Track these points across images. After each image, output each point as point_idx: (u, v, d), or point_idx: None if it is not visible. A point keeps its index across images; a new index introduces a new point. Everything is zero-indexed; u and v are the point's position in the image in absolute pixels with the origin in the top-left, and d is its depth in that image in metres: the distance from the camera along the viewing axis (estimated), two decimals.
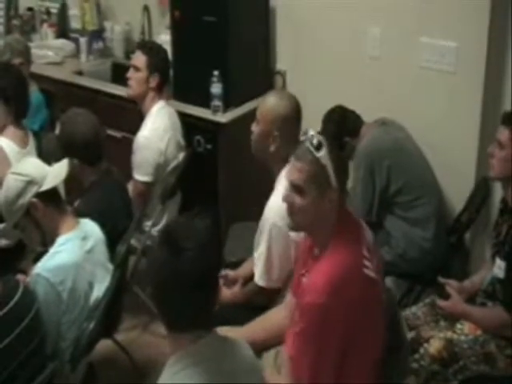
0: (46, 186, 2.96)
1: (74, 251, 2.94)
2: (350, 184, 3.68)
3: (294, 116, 3.19)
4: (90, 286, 2.99)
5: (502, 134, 3.00)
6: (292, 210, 2.52)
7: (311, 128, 2.54)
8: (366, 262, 2.47)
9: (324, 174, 2.43)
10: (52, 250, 2.94)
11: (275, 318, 2.90)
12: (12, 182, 2.98)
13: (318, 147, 2.43)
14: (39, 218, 2.99)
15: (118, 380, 3.69)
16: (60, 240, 2.96)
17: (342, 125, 3.84)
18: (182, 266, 2.01)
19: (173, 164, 4.10)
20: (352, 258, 2.46)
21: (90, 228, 3.10)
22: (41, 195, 2.95)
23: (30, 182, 2.95)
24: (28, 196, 2.95)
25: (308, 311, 2.42)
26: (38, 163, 3.13)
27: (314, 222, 2.53)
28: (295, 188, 2.48)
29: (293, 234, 2.90)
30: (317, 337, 2.40)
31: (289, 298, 2.83)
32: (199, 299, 2.07)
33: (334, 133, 3.82)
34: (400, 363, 2.74)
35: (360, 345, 2.46)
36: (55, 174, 3.04)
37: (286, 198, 2.53)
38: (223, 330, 2.30)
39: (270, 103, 3.19)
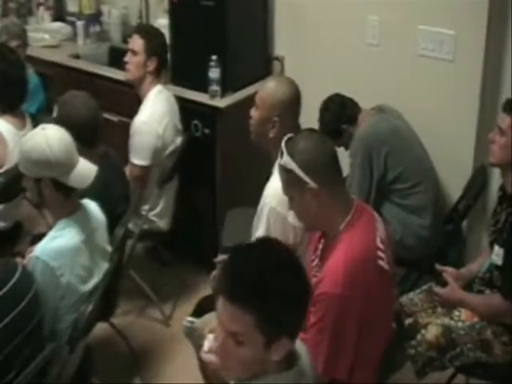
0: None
1: (74, 236, 2.90)
2: (347, 170, 3.74)
3: (293, 101, 3.19)
4: (89, 270, 2.97)
5: (503, 120, 2.99)
6: (295, 215, 2.67)
7: None
8: (380, 254, 2.49)
9: (294, 176, 2.50)
10: (52, 234, 2.90)
11: None
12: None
13: (280, 155, 2.53)
14: (46, 195, 2.90)
15: (113, 362, 3.70)
16: (60, 223, 2.92)
17: (339, 112, 3.83)
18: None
19: (170, 148, 4.08)
20: (367, 249, 2.48)
21: (92, 211, 3.08)
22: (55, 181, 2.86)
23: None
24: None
25: (324, 301, 2.42)
26: None
27: (314, 219, 2.58)
28: (286, 196, 2.62)
29: (291, 219, 2.91)
30: (334, 326, 2.41)
31: None
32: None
33: (332, 120, 3.83)
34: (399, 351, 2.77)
35: (371, 335, 2.48)
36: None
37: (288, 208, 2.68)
38: None
39: (269, 88, 3.20)
